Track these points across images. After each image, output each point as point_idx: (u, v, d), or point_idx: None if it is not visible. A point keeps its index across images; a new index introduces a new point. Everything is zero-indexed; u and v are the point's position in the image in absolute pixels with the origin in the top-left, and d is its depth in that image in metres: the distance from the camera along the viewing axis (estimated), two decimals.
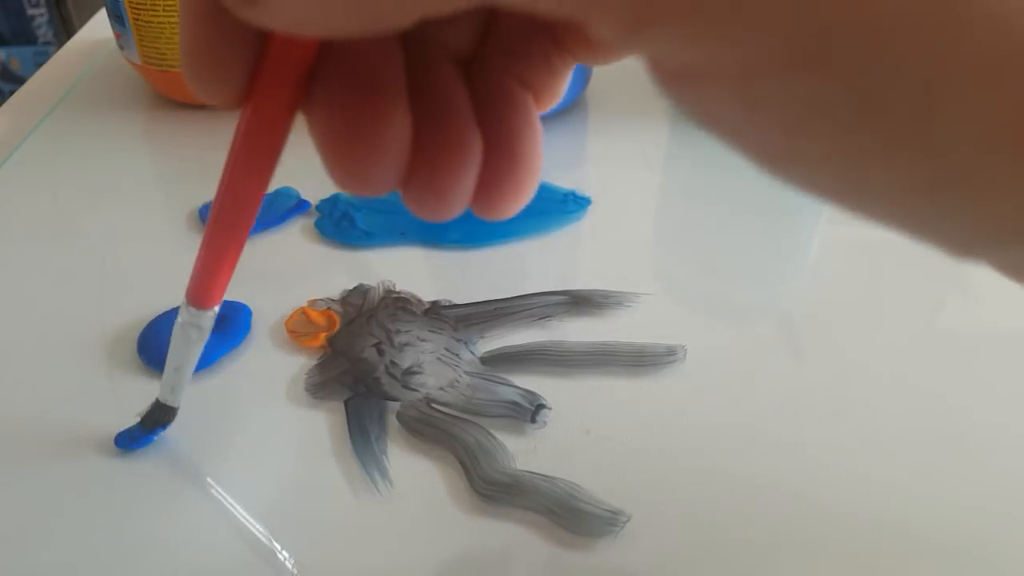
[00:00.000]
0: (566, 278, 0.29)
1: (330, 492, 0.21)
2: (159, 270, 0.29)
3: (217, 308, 0.19)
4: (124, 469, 0.22)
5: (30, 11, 1.47)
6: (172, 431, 0.23)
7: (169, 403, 0.22)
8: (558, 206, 0.33)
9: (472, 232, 0.31)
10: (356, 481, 0.21)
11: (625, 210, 0.33)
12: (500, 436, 0.22)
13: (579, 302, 0.28)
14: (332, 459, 0.22)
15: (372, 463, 0.22)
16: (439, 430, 0.23)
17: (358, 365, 0.25)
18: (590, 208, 0.33)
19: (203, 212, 0.32)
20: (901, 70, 0.08)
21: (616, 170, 0.36)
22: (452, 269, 0.30)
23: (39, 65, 0.53)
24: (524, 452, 0.22)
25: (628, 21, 0.09)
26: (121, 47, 0.40)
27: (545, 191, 0.34)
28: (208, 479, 0.22)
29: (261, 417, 0.23)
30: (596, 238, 0.32)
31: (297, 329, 0.26)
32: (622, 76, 0.44)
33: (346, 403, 0.24)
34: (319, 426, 0.23)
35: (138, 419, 0.22)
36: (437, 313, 0.27)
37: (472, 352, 0.26)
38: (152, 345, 0.25)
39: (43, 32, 1.49)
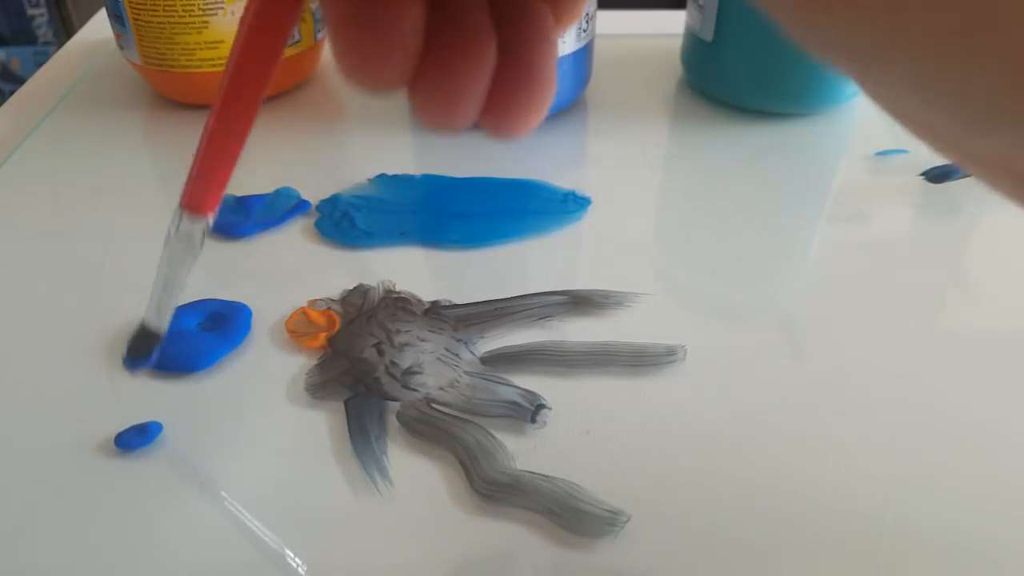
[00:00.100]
0: (566, 278, 0.29)
1: (330, 492, 0.21)
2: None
3: (211, 219, 0.18)
4: (124, 469, 0.22)
5: (30, 11, 1.47)
6: (172, 431, 0.23)
7: (153, 327, 0.20)
8: (558, 206, 0.33)
9: (472, 232, 0.31)
10: (356, 481, 0.21)
11: (625, 210, 0.33)
12: (500, 436, 0.22)
13: (579, 302, 0.28)
14: (332, 459, 0.22)
15: (372, 463, 0.22)
16: (439, 430, 0.23)
17: (358, 365, 0.25)
18: (590, 208, 0.33)
19: None
20: None
21: (616, 170, 0.36)
22: (452, 269, 0.30)
23: (39, 65, 0.53)
24: (524, 452, 0.22)
25: None
26: (121, 47, 0.40)
27: (545, 191, 0.34)
28: (208, 479, 0.22)
29: (261, 417, 0.23)
30: (596, 238, 0.32)
31: (297, 329, 0.26)
32: (622, 76, 0.44)
33: (346, 403, 0.24)
34: (319, 426, 0.23)
35: (125, 348, 0.21)
36: (437, 313, 0.27)
37: (472, 352, 0.26)
38: None
39: (43, 32, 1.49)
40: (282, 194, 0.33)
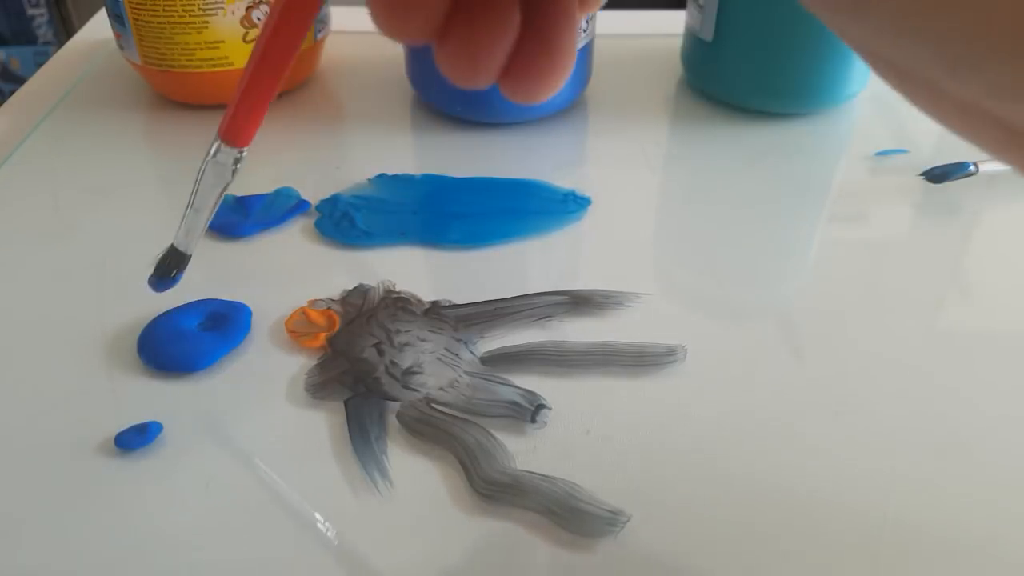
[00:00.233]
0: (566, 278, 0.29)
1: (330, 492, 0.21)
2: None
3: (245, 152, 0.19)
4: (124, 469, 0.22)
5: (30, 11, 1.47)
6: (172, 431, 0.23)
7: (182, 248, 0.22)
8: (558, 206, 0.33)
9: (472, 232, 0.31)
10: (356, 481, 0.21)
11: (625, 210, 0.33)
12: (500, 436, 0.22)
13: (579, 302, 0.28)
14: (332, 459, 0.22)
15: (372, 463, 0.22)
16: (439, 430, 0.23)
17: (358, 365, 0.25)
18: (590, 208, 0.33)
19: None
20: None
21: (616, 170, 0.36)
22: (452, 269, 0.30)
23: (39, 65, 0.53)
24: (524, 452, 0.22)
25: None
26: (121, 47, 0.40)
27: (545, 191, 0.34)
28: (208, 479, 0.22)
29: (261, 417, 0.23)
30: (596, 238, 0.32)
31: (297, 329, 0.26)
32: (622, 76, 0.44)
33: (346, 403, 0.24)
34: (319, 426, 0.23)
35: (152, 268, 0.23)
36: (437, 313, 0.27)
37: (472, 352, 0.26)
38: (152, 345, 0.25)
39: (43, 32, 1.49)
40: (282, 194, 0.33)
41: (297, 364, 0.25)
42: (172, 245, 0.22)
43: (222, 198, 0.21)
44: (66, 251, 0.31)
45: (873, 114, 0.40)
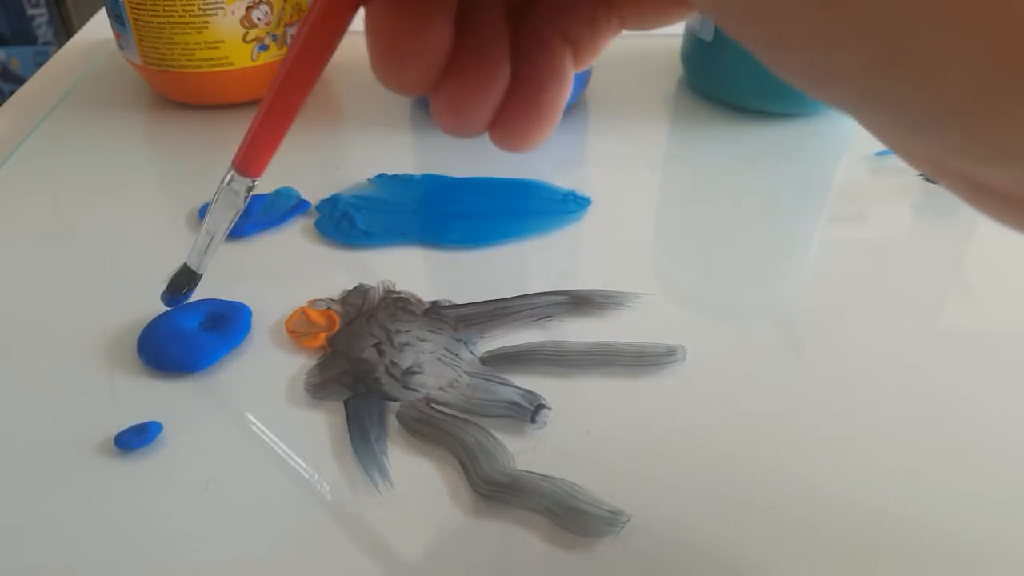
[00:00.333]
0: (566, 278, 0.29)
1: (330, 492, 0.21)
2: (159, 270, 0.29)
3: (257, 181, 0.21)
4: (124, 469, 0.22)
5: (30, 11, 1.47)
6: (172, 431, 0.23)
7: (194, 268, 0.23)
8: (558, 206, 0.33)
9: (472, 232, 0.31)
10: (356, 481, 0.21)
11: (625, 210, 0.33)
12: (500, 436, 0.22)
13: (579, 302, 0.28)
14: (332, 459, 0.22)
15: (372, 463, 0.22)
16: (439, 430, 0.23)
17: (358, 365, 0.25)
18: (590, 208, 0.33)
19: (203, 212, 0.32)
20: None
21: (616, 170, 0.36)
22: (452, 269, 0.30)
23: (39, 65, 0.53)
24: (524, 452, 0.22)
25: None
26: (121, 47, 0.40)
27: (545, 191, 0.34)
28: (208, 479, 0.22)
29: (261, 417, 0.23)
30: (596, 238, 0.32)
31: (297, 329, 0.26)
32: (622, 76, 0.44)
33: (346, 403, 0.24)
34: (319, 426, 0.23)
35: (165, 284, 0.24)
36: (437, 313, 0.27)
37: (472, 352, 0.26)
38: (152, 345, 0.25)
39: (43, 32, 1.49)
40: (282, 194, 0.33)
41: (297, 364, 0.25)
42: (185, 264, 0.24)
43: (234, 221, 0.22)
44: (66, 251, 0.31)
45: None
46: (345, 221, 0.32)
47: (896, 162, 0.36)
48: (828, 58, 0.11)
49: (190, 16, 0.37)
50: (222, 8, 0.37)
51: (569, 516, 0.20)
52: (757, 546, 0.20)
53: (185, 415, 0.23)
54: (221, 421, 0.23)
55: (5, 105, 0.43)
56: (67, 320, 0.27)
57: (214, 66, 0.38)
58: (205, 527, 0.20)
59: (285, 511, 0.21)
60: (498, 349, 0.26)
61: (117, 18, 0.38)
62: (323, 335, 0.26)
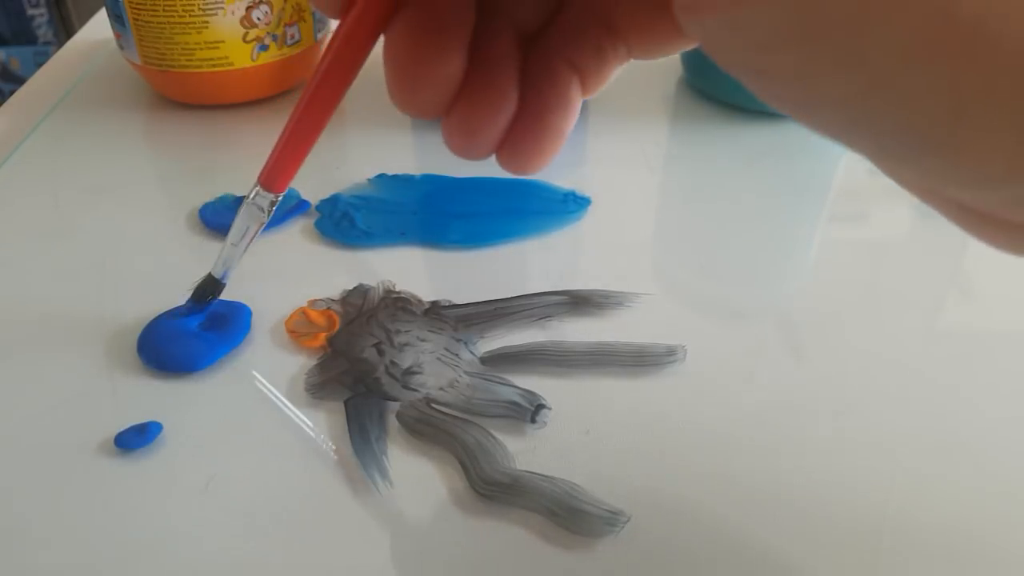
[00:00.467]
0: (566, 278, 0.29)
1: (330, 492, 0.21)
2: (159, 270, 0.29)
3: (280, 196, 0.22)
4: (124, 469, 0.22)
5: (30, 11, 1.47)
6: (172, 431, 0.23)
7: (218, 277, 0.25)
8: (558, 206, 0.33)
9: (472, 232, 0.31)
10: (356, 481, 0.21)
11: (625, 210, 0.33)
12: (500, 436, 0.22)
13: (579, 302, 0.28)
14: (332, 459, 0.22)
15: (372, 463, 0.22)
16: (439, 430, 0.23)
17: (358, 365, 0.25)
18: (590, 208, 0.33)
19: (203, 212, 0.32)
20: None
21: (616, 170, 0.36)
22: (452, 269, 0.30)
23: (39, 65, 0.53)
24: (524, 452, 0.22)
25: None
26: (121, 47, 0.40)
27: (545, 191, 0.34)
28: (208, 479, 0.22)
29: (261, 417, 0.23)
30: (596, 238, 0.32)
31: (297, 329, 0.26)
32: (622, 76, 0.44)
33: (346, 403, 0.24)
34: (319, 426, 0.23)
35: (189, 293, 0.26)
36: (437, 313, 0.27)
37: (472, 352, 0.26)
38: (152, 345, 0.25)
39: (43, 32, 1.49)
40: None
41: (297, 364, 0.25)
42: (210, 274, 0.25)
43: (258, 233, 0.23)
44: (66, 251, 0.31)
45: None
46: (345, 221, 0.32)
47: None
48: (812, 87, 0.11)
49: (190, 16, 0.37)
50: (222, 8, 0.37)
51: (569, 516, 0.20)
52: (757, 546, 0.20)
53: (185, 415, 0.23)
54: (221, 421, 0.23)
55: (5, 105, 0.43)
56: (67, 320, 0.27)
57: (214, 66, 0.38)
58: (205, 527, 0.20)
59: (285, 511, 0.21)
60: (498, 349, 0.26)
61: (117, 18, 0.38)
62: (323, 335, 0.26)
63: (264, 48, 0.39)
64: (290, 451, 0.22)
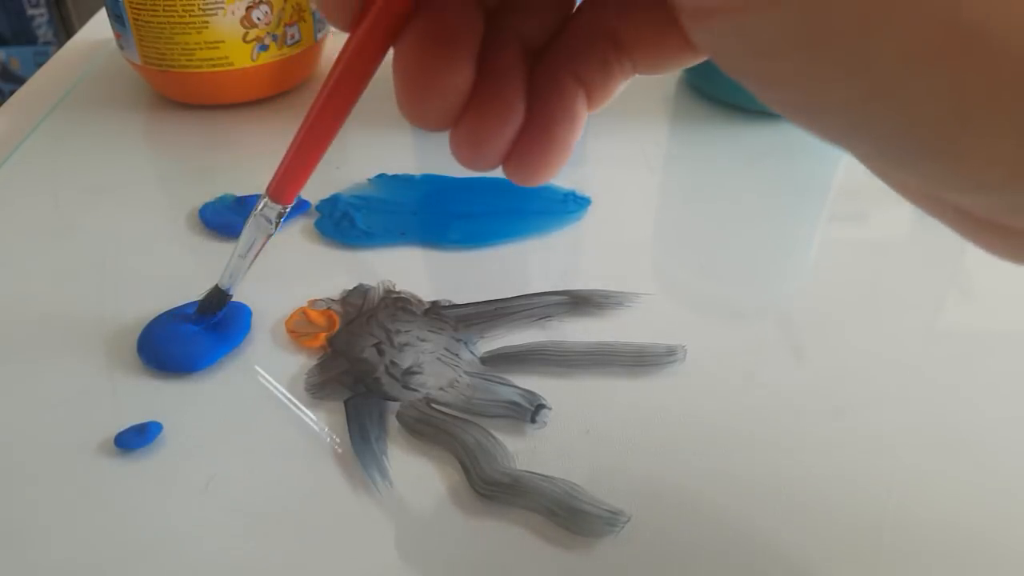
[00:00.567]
0: (566, 278, 0.29)
1: (330, 492, 0.21)
2: (159, 270, 0.29)
3: (288, 207, 0.22)
4: (124, 469, 0.22)
5: (30, 11, 1.47)
6: (172, 431, 0.23)
7: (225, 288, 0.25)
8: (558, 206, 0.33)
9: (472, 232, 0.31)
10: (356, 481, 0.21)
11: (625, 210, 0.33)
12: (500, 436, 0.22)
13: (579, 302, 0.28)
14: (332, 459, 0.22)
15: (372, 463, 0.22)
16: (439, 430, 0.23)
17: (358, 365, 0.25)
18: (590, 208, 0.33)
19: (203, 212, 0.32)
20: (839, 1, 0.10)
21: (616, 170, 0.36)
22: (452, 269, 0.30)
23: (39, 65, 0.53)
24: (524, 452, 0.22)
25: None
26: (121, 47, 0.40)
27: (545, 191, 0.34)
28: (208, 479, 0.22)
29: (261, 417, 0.23)
30: (596, 238, 0.32)
31: (297, 329, 0.26)
32: None
33: (346, 403, 0.24)
34: (319, 426, 0.23)
35: (197, 304, 0.26)
36: (437, 313, 0.27)
37: (472, 352, 0.26)
38: (152, 345, 0.25)
39: (43, 32, 1.49)
40: None
41: (297, 364, 0.25)
42: (216, 286, 0.25)
43: (264, 245, 0.23)
44: (66, 251, 0.31)
45: None
46: (345, 221, 0.32)
47: None
48: (817, 93, 0.11)
49: (190, 16, 0.37)
50: (222, 8, 0.37)
51: (569, 516, 0.20)
52: (757, 545, 0.20)
53: (185, 415, 0.23)
54: (221, 421, 0.23)
55: (5, 105, 0.43)
56: (67, 320, 0.27)
57: (214, 66, 0.38)
58: (205, 527, 0.20)
59: (285, 511, 0.21)
60: (498, 349, 0.26)
61: (117, 18, 0.38)
62: (323, 335, 0.26)
63: (264, 48, 0.39)
64: (290, 451, 0.22)
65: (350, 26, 0.16)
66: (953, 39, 0.10)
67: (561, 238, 0.32)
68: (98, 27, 0.53)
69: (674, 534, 0.20)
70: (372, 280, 0.29)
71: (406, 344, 0.26)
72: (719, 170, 0.36)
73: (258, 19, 0.38)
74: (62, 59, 0.48)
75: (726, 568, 0.19)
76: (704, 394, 0.24)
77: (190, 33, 0.37)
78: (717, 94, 0.41)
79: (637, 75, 0.17)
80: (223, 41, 0.38)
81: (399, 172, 0.35)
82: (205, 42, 0.38)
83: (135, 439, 0.22)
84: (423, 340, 0.26)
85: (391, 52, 0.16)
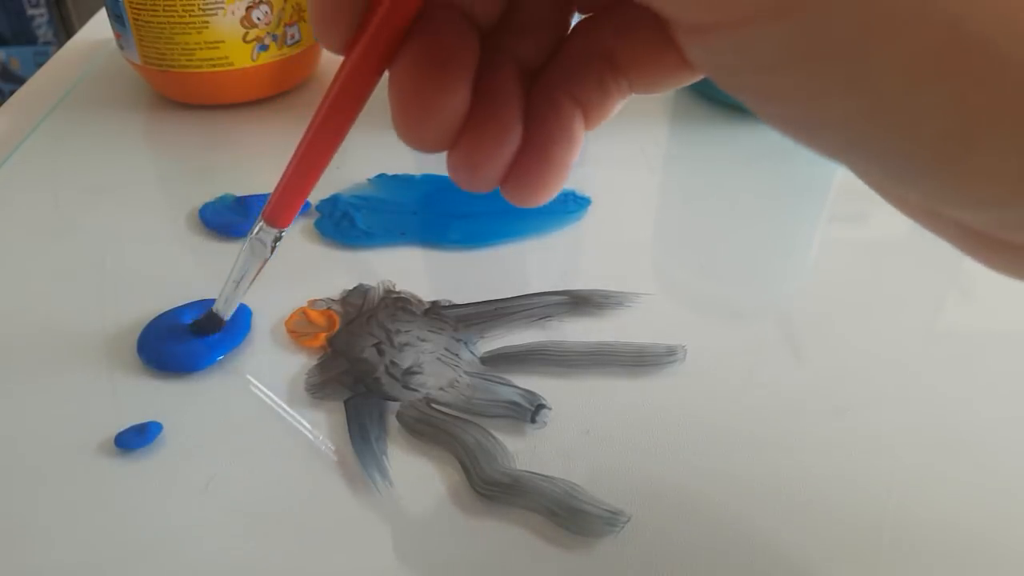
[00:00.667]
0: (566, 278, 0.29)
1: (330, 492, 0.21)
2: (159, 270, 0.29)
3: (285, 231, 0.22)
4: (124, 469, 0.22)
5: (30, 11, 1.47)
6: (172, 431, 0.23)
7: (220, 313, 0.25)
8: (558, 206, 0.33)
9: (472, 232, 0.31)
10: (356, 481, 0.21)
11: (625, 210, 0.33)
12: (500, 436, 0.22)
13: (579, 302, 0.28)
14: (332, 459, 0.22)
15: (372, 463, 0.22)
16: (439, 430, 0.23)
17: (358, 365, 0.25)
18: (590, 208, 0.33)
19: (203, 212, 0.32)
20: (840, 15, 0.10)
21: (616, 170, 0.36)
22: (452, 269, 0.30)
23: (39, 65, 0.53)
24: (524, 452, 0.22)
25: None
26: (121, 47, 0.40)
27: None
28: (208, 479, 0.22)
29: (261, 417, 0.23)
30: (596, 238, 0.32)
31: (297, 329, 0.26)
32: None
33: (346, 403, 0.24)
34: (319, 426, 0.23)
35: (191, 328, 0.25)
36: (437, 313, 0.27)
37: (472, 352, 0.26)
38: (152, 345, 0.25)
39: (43, 32, 1.49)
40: None
41: (297, 364, 0.25)
42: (211, 311, 0.25)
43: (261, 270, 0.23)
44: (66, 251, 0.31)
45: None
46: (345, 221, 0.32)
47: None
48: (816, 109, 0.11)
49: (190, 16, 0.37)
50: (222, 8, 0.37)
51: (569, 516, 0.20)
52: (757, 545, 0.20)
53: (185, 415, 0.23)
54: (221, 421, 0.23)
55: (5, 105, 0.43)
56: (67, 320, 0.27)
57: (214, 66, 0.38)
58: (205, 527, 0.20)
59: (285, 511, 0.21)
60: (498, 349, 0.26)
61: (117, 18, 0.38)
62: (323, 335, 0.26)
63: (264, 48, 0.39)
64: (290, 451, 0.22)
65: (344, 50, 0.16)
66: (958, 53, 0.10)
67: (561, 238, 0.32)
68: (98, 27, 0.53)
69: (674, 534, 0.20)
70: (372, 280, 0.29)
71: (406, 344, 0.26)
72: (719, 170, 0.36)
73: (258, 19, 0.38)
74: (62, 59, 0.48)
75: (726, 568, 0.19)
76: (704, 394, 0.24)
77: (190, 33, 0.37)
78: (717, 94, 0.41)
79: (633, 93, 0.17)
80: (223, 41, 0.38)
81: (399, 172, 0.35)
82: (205, 42, 0.38)
83: (135, 439, 0.22)
84: (423, 340, 0.26)
85: (385, 75, 0.16)
